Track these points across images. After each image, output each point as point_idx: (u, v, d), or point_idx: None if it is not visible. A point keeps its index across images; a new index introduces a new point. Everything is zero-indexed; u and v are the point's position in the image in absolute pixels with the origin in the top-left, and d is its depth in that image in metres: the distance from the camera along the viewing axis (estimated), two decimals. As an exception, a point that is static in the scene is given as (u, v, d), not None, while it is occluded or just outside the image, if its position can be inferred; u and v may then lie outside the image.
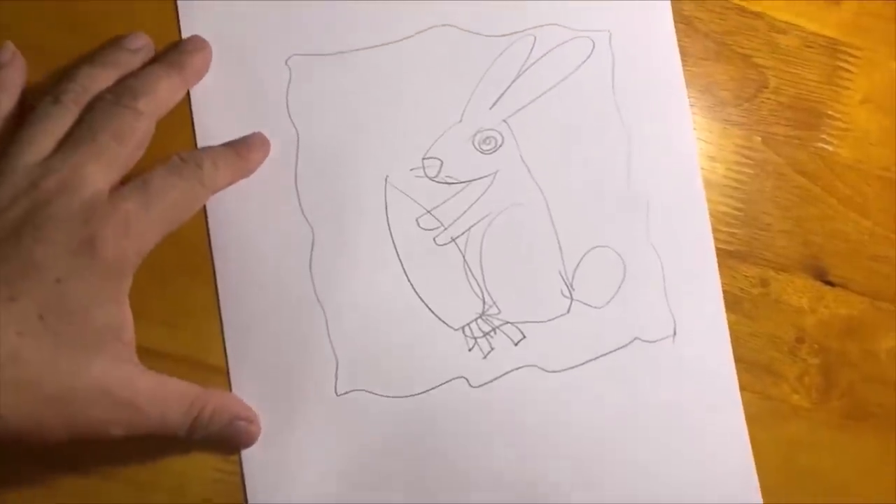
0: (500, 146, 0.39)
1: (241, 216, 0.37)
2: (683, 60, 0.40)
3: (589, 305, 0.38)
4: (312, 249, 0.37)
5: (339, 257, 0.37)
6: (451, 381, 0.37)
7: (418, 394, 0.37)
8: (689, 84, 0.40)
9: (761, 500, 0.38)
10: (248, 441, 0.35)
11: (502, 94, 0.39)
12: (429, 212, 0.38)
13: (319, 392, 0.36)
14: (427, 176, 0.38)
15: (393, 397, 0.37)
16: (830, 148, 0.41)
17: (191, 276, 0.36)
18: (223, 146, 0.36)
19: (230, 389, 0.36)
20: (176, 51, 0.36)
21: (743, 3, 0.42)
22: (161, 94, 0.34)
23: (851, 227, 0.41)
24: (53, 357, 0.30)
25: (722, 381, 0.39)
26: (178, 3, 0.38)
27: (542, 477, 0.37)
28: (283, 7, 0.38)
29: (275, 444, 0.35)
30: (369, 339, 0.37)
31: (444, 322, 0.37)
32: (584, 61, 0.40)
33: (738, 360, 0.39)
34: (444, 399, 0.37)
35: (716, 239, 0.40)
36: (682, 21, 0.41)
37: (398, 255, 0.38)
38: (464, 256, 0.38)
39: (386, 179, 0.38)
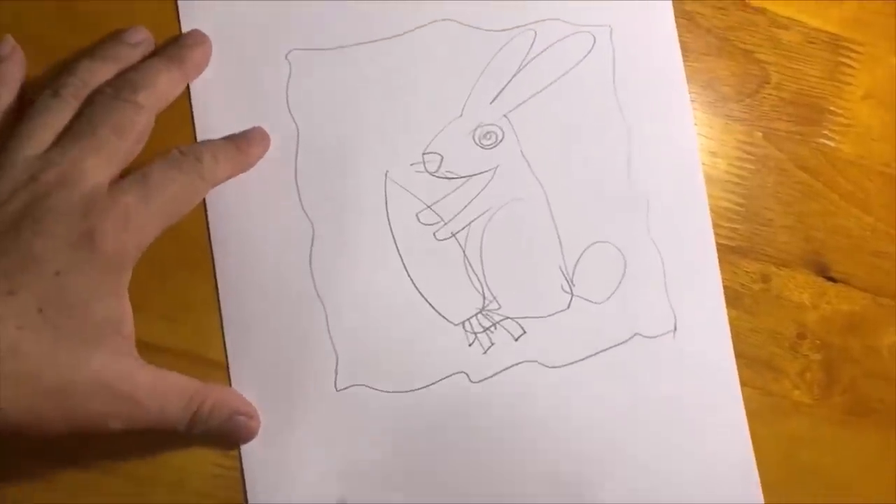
0: (501, 141, 0.39)
1: (241, 211, 0.37)
2: (685, 56, 0.40)
3: (589, 301, 0.38)
4: (312, 244, 0.37)
5: (339, 252, 0.37)
6: (451, 376, 0.37)
7: (418, 389, 0.37)
8: (690, 79, 0.40)
9: (762, 497, 0.38)
10: (248, 436, 0.35)
11: (503, 89, 0.39)
12: (429, 207, 0.38)
13: (319, 387, 0.36)
14: (427, 171, 0.38)
15: (393, 393, 0.36)
16: (832, 143, 0.41)
17: (191, 270, 0.36)
18: (223, 140, 0.36)
19: (230, 384, 0.36)
20: (176, 45, 0.36)
21: (745, -2, 0.42)
22: (161, 88, 0.34)
23: (853, 223, 0.41)
24: (53, 350, 0.30)
25: (723, 376, 0.38)
26: (179, 1, 0.38)
27: (543, 472, 0.37)
28: (283, 2, 0.38)
29: (274, 440, 0.35)
30: (369, 335, 0.37)
31: (444, 317, 0.37)
32: (585, 56, 0.40)
33: (739, 355, 0.39)
34: (445, 394, 0.37)
35: (717, 234, 0.39)
36: (684, 16, 0.41)
37: (398, 251, 0.38)
38: (464, 251, 0.38)
39: (386, 174, 0.38)
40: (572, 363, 0.38)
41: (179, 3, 0.38)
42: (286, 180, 0.37)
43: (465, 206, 0.38)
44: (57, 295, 0.30)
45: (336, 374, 0.36)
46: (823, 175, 0.41)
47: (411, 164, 0.38)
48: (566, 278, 0.38)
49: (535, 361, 0.37)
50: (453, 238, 0.38)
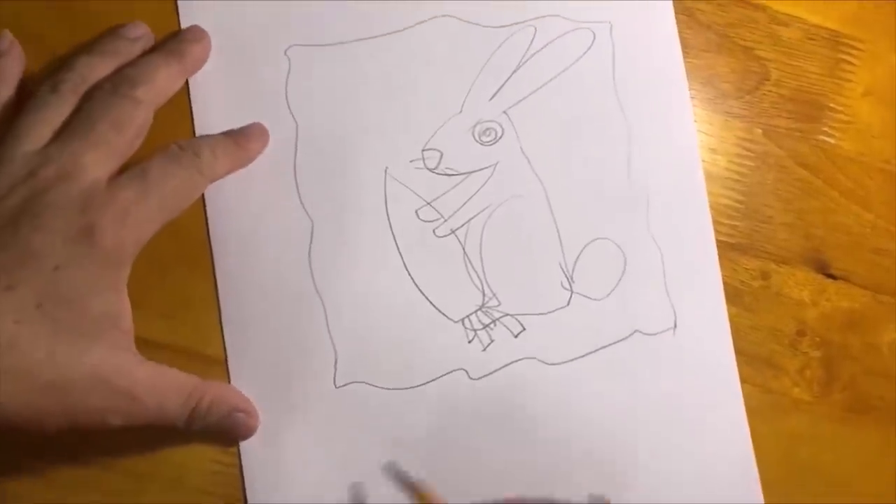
0: (500, 138, 0.39)
1: (240, 208, 0.37)
2: (685, 52, 0.40)
3: (589, 298, 0.38)
4: (311, 241, 0.37)
5: (339, 249, 0.37)
6: (450, 373, 0.37)
7: (417, 386, 0.37)
8: (690, 76, 0.40)
9: (761, 495, 0.38)
10: (247, 433, 0.35)
11: (502, 86, 0.39)
12: (428, 203, 0.38)
13: (318, 384, 0.36)
14: (427, 167, 0.38)
15: (392, 389, 0.36)
16: (832, 140, 0.41)
17: (190, 267, 0.36)
18: (222, 135, 0.36)
19: (229, 381, 0.36)
20: (175, 40, 0.36)
21: (744, -5, 0.42)
22: (160, 84, 0.34)
23: (853, 220, 0.41)
24: (51, 345, 0.30)
25: (722, 374, 0.38)
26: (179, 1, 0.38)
27: (542, 469, 0.37)
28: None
29: (274, 436, 0.35)
30: (368, 331, 0.37)
31: (443, 314, 0.37)
32: (585, 53, 0.40)
33: (739, 352, 0.39)
34: (444, 391, 0.37)
35: (717, 231, 0.39)
36: (684, 13, 0.41)
37: (398, 247, 0.37)
38: (463, 248, 0.38)
39: (385, 171, 0.38)
40: (572, 360, 0.38)
41: (179, 2, 0.38)
42: (285, 177, 0.37)
43: (465, 203, 0.38)
44: (55, 290, 0.30)
45: (335, 370, 0.36)
46: (823, 172, 0.41)
47: (411, 161, 0.38)
48: (566, 275, 0.38)
49: (535, 358, 0.37)
50: (453, 235, 0.38)
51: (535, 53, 0.39)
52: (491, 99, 0.39)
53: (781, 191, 0.41)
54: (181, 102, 0.37)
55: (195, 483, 0.35)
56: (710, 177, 0.40)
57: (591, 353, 0.38)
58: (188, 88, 0.37)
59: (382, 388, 0.36)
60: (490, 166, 0.38)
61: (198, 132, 0.37)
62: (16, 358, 0.29)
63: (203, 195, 0.36)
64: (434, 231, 0.38)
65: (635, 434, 0.37)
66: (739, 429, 0.38)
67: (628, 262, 0.39)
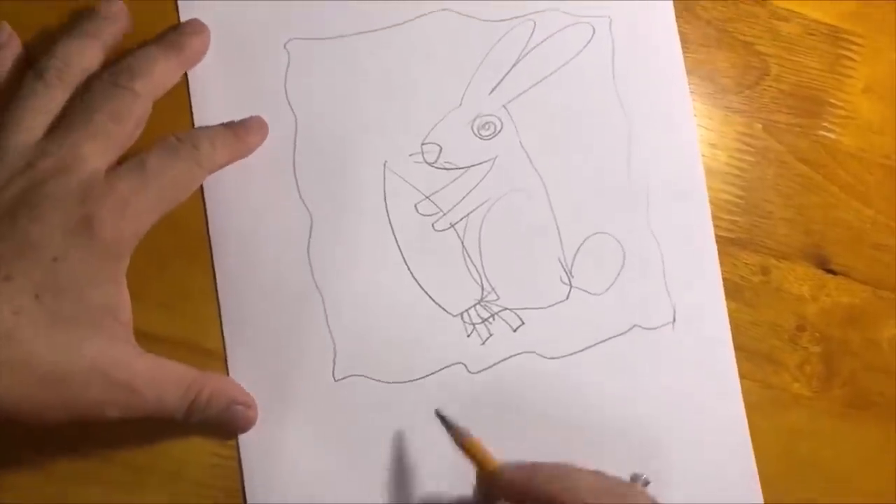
0: (500, 132, 0.39)
1: (239, 201, 0.37)
2: (684, 47, 0.40)
3: (588, 292, 0.38)
4: (310, 235, 0.37)
5: (338, 243, 0.37)
6: (449, 367, 0.37)
7: (416, 380, 0.37)
8: (689, 71, 0.40)
9: (760, 490, 0.38)
10: (246, 426, 0.35)
11: (502, 80, 0.39)
12: (427, 197, 0.38)
13: (317, 378, 0.36)
14: (426, 161, 0.38)
15: (390, 383, 0.36)
16: (832, 136, 0.41)
17: (189, 260, 0.36)
18: (220, 126, 0.36)
19: (227, 374, 0.36)
20: (175, 32, 0.36)
21: (744, -10, 0.42)
22: (158, 75, 0.34)
23: (853, 216, 0.41)
24: (50, 336, 0.30)
25: (722, 368, 0.38)
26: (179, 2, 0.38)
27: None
28: (283, -8, 0.38)
29: (272, 429, 0.35)
30: (367, 325, 0.37)
31: (442, 308, 0.37)
32: (585, 47, 0.40)
33: (739, 348, 0.39)
34: (442, 385, 0.37)
35: (716, 226, 0.39)
36: (684, 7, 0.41)
37: (396, 241, 0.37)
38: (462, 242, 0.38)
39: (385, 165, 0.38)
40: (571, 354, 0.38)
41: (180, 2, 0.38)
42: (284, 170, 0.37)
43: (464, 197, 0.38)
44: (54, 281, 0.30)
45: (334, 364, 0.36)
46: (823, 167, 0.41)
47: (410, 155, 0.38)
48: (565, 269, 0.38)
49: (534, 352, 0.37)
50: (452, 229, 0.38)
51: (534, 48, 0.39)
52: (490, 93, 0.39)
53: (781, 186, 0.41)
54: (180, 95, 0.37)
55: (194, 476, 0.35)
56: (709, 172, 0.40)
57: (590, 347, 0.38)
58: (187, 81, 0.37)
59: (381, 381, 0.36)
60: (489, 160, 0.38)
61: (197, 125, 0.37)
62: (14, 349, 0.29)
63: (202, 188, 0.36)
64: (433, 225, 0.38)
65: (633, 428, 0.37)
66: (738, 424, 0.38)
67: (627, 257, 0.38)
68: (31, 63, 0.34)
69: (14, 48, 0.35)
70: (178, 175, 0.33)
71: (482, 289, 0.38)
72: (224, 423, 0.34)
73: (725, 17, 0.41)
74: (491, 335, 0.37)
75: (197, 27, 0.37)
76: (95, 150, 0.32)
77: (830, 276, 0.40)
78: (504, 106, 0.39)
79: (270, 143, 0.37)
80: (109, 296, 0.32)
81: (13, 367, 0.29)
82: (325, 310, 0.36)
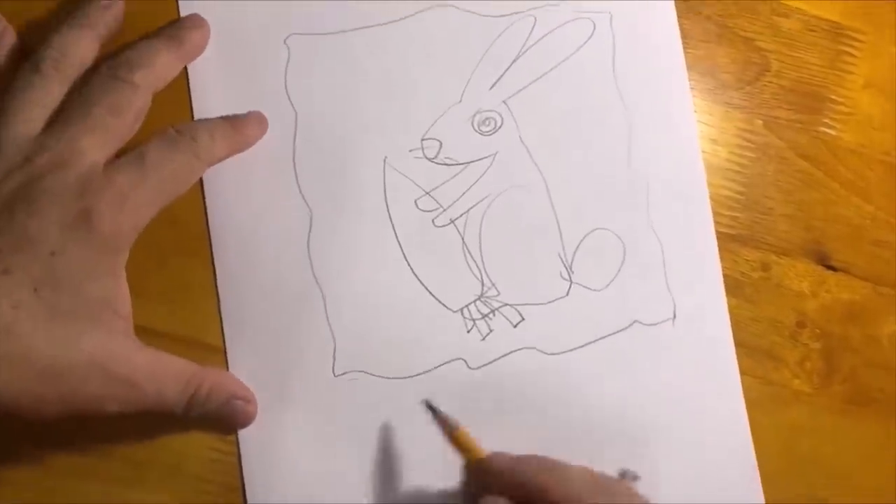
0: (500, 127, 0.39)
1: (239, 196, 0.37)
2: (685, 43, 0.40)
3: (588, 288, 0.38)
4: (310, 230, 0.37)
5: (338, 238, 0.37)
6: (449, 362, 0.37)
7: (416, 375, 0.37)
8: (690, 67, 0.40)
9: (760, 486, 0.38)
10: (245, 421, 0.35)
11: (502, 75, 0.39)
12: (428, 193, 0.38)
13: (317, 373, 0.36)
14: (426, 157, 0.38)
15: (391, 379, 0.36)
16: (833, 132, 0.41)
17: (189, 255, 0.36)
18: (219, 119, 0.36)
19: (227, 369, 0.36)
20: (175, 26, 0.36)
21: (745, -14, 0.41)
22: (158, 69, 0.34)
23: (853, 212, 0.41)
24: (48, 330, 0.30)
25: (722, 365, 0.38)
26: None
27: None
28: (283, -13, 0.38)
29: (271, 425, 0.35)
30: (367, 321, 0.37)
31: (442, 304, 0.37)
32: (585, 43, 0.39)
33: (739, 344, 0.39)
34: (442, 381, 0.37)
35: (717, 223, 0.39)
36: (684, 3, 0.41)
37: (396, 237, 0.37)
38: (462, 238, 0.38)
39: (385, 160, 0.38)
40: (571, 350, 0.38)
41: (180, 2, 0.38)
42: (284, 165, 0.37)
43: (464, 193, 0.38)
44: (52, 275, 0.30)
45: (334, 359, 0.36)
46: (824, 164, 0.41)
47: (410, 150, 0.38)
48: (565, 265, 0.38)
49: (534, 348, 0.37)
50: (452, 225, 0.38)
51: (534, 43, 0.39)
52: (490, 88, 0.39)
53: (782, 182, 0.41)
54: (180, 90, 0.37)
55: (193, 470, 0.35)
56: (710, 168, 0.40)
57: (590, 343, 0.38)
58: (187, 76, 0.37)
59: (381, 377, 0.36)
60: (489, 156, 0.38)
61: (196, 119, 0.37)
62: (13, 343, 0.29)
63: (202, 182, 0.36)
64: (433, 221, 0.38)
65: (633, 425, 0.37)
66: (739, 420, 0.38)
67: (628, 253, 0.38)
68: (27, 54, 0.34)
69: (9, 39, 0.35)
70: (177, 168, 0.33)
71: (482, 284, 0.38)
72: (224, 418, 0.34)
73: (726, 13, 0.41)
74: (491, 331, 0.37)
75: (197, 21, 0.37)
76: (94, 144, 0.32)
77: (831, 272, 0.40)
78: (504, 102, 0.39)
79: (270, 139, 0.37)
80: (108, 289, 0.31)
81: (12, 362, 0.29)
82: (325, 305, 0.36)
